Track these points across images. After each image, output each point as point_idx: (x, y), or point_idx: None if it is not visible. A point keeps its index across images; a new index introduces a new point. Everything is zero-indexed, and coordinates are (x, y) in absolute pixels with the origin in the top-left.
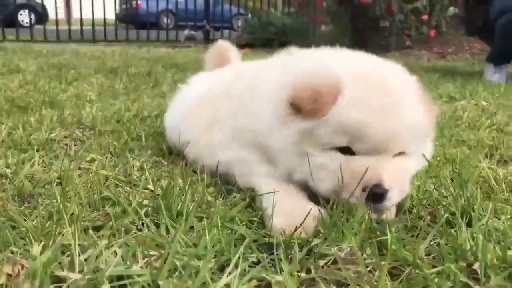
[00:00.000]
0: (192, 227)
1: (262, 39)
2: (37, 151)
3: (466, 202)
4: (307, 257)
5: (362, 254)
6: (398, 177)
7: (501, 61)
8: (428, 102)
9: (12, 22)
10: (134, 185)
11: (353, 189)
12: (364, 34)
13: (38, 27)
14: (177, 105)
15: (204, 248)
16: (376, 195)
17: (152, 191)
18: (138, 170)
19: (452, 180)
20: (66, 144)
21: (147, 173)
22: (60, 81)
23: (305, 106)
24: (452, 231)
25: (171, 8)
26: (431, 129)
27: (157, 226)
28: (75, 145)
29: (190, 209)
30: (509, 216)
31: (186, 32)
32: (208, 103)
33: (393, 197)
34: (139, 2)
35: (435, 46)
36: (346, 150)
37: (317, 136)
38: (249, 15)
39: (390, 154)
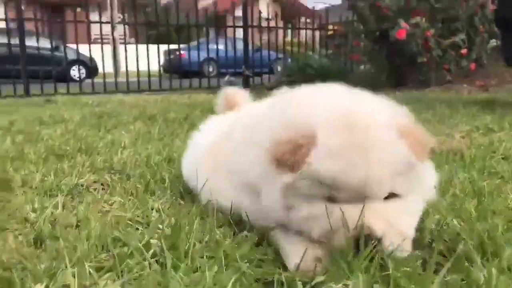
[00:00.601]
0: (198, 267)
1: (301, 81)
2: (65, 196)
3: (486, 234)
4: None
5: None
6: (392, 222)
7: None
8: (415, 135)
9: (64, 78)
10: (148, 225)
11: (341, 238)
12: (402, 71)
13: (88, 81)
14: (190, 152)
15: (203, 286)
16: (372, 244)
17: (162, 230)
18: (156, 211)
19: (476, 212)
20: (95, 189)
21: (162, 214)
22: (100, 129)
23: (286, 160)
24: (467, 264)
25: (212, 57)
26: (416, 162)
27: (163, 266)
28: (102, 189)
29: (196, 249)
30: None
31: (226, 78)
32: (213, 149)
33: (391, 243)
34: (182, 52)
35: (477, 79)
36: (331, 198)
37: (299, 188)
38: (288, 59)
39: (377, 198)
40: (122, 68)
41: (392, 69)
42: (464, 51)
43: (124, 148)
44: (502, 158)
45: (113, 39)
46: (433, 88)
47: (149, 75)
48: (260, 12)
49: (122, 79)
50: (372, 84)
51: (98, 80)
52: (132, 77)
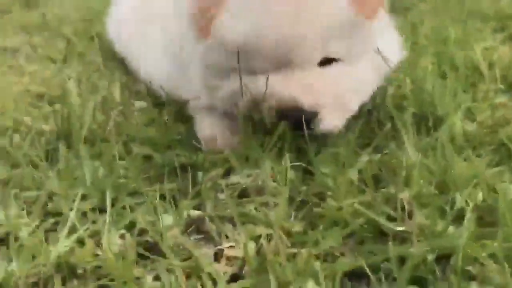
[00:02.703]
0: None
1: None
2: None
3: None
4: None
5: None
6: (328, 92)
7: None
8: None
9: None
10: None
11: (265, 112)
12: None
13: None
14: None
15: None
16: (295, 121)
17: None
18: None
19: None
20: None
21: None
22: None
23: (197, 23)
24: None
25: None
26: (360, 19)
27: None
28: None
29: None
30: None
31: None
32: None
33: (328, 120)
34: None
35: None
36: (251, 70)
37: (212, 61)
38: None
39: (307, 64)
40: None
41: None
42: None
43: None
44: None
45: None
46: None
47: None
48: None
49: None
50: None
51: None
52: None
